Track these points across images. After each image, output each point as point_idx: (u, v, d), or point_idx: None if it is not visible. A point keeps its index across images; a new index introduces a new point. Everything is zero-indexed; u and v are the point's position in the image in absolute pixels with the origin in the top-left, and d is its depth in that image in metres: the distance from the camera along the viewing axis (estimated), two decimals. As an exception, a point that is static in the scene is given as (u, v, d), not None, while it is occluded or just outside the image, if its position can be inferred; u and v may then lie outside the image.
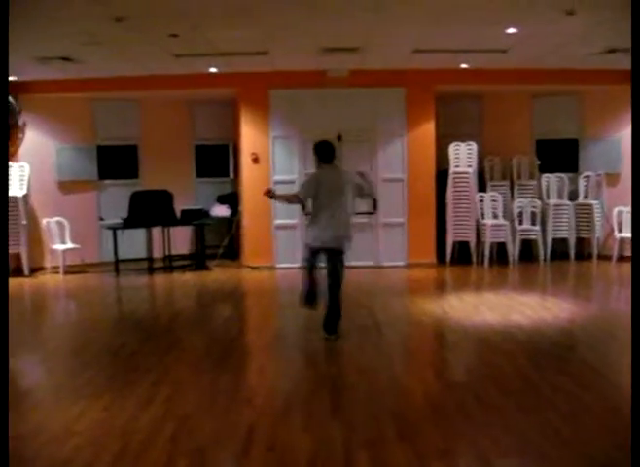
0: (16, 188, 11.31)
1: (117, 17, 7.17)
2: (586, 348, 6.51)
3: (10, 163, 11.36)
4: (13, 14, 6.83)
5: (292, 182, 11.28)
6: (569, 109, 12.28)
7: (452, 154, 11.64)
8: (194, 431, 4.43)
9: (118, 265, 11.13)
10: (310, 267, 6.88)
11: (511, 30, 8.37)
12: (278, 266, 11.44)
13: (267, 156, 11.53)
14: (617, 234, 11.54)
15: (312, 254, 6.85)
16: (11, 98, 11.13)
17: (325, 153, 6.86)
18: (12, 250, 11.24)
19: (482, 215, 11.69)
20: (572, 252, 11.80)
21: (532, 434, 4.27)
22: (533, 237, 11.77)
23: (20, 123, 11.53)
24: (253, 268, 11.54)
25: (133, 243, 11.84)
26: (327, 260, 6.79)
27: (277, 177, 11.47)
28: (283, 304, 9.20)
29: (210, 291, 10.13)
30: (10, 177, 11.33)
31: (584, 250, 12.05)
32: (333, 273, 6.76)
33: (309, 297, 6.93)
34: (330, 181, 6.71)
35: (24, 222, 11.20)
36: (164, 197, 11.46)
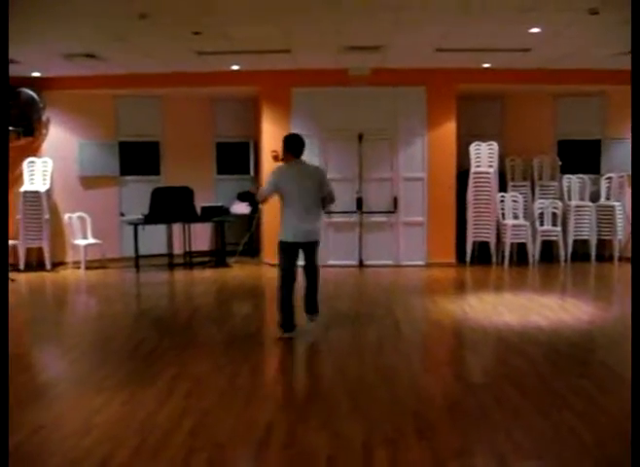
0: (38, 183, 11.42)
1: (141, 14, 7.20)
2: (606, 351, 6.47)
3: (33, 159, 11.49)
4: (37, 10, 6.93)
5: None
6: (592, 109, 12.20)
7: (473, 153, 11.60)
8: (212, 427, 4.46)
9: (138, 260, 11.20)
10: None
11: (534, 30, 8.32)
12: (298, 263, 11.43)
13: (288, 154, 11.53)
14: (639, 236, 11.43)
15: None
16: (35, 94, 11.23)
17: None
18: (34, 245, 11.39)
19: (503, 215, 11.64)
20: (593, 253, 11.72)
21: (550, 436, 4.26)
22: (554, 238, 11.70)
23: (44, 118, 11.63)
24: (272, 265, 11.54)
25: (154, 239, 11.89)
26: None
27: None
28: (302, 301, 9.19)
29: (230, 288, 10.18)
30: (33, 172, 11.45)
31: (605, 252, 11.96)
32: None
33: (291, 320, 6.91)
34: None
35: (47, 217, 11.30)
36: (185, 194, 11.51)
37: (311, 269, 7.03)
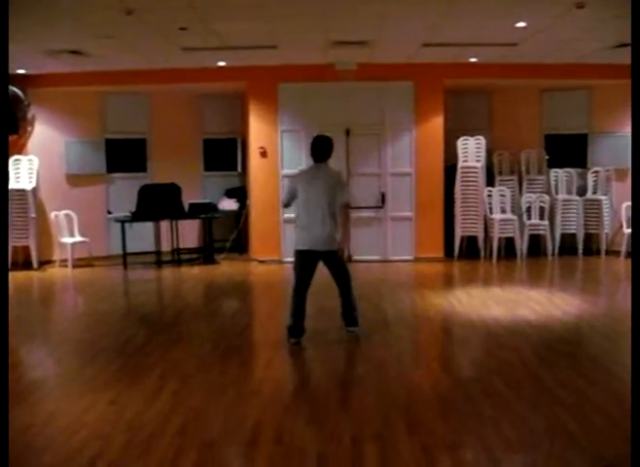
0: (24, 181, 11.34)
1: (127, 10, 7.16)
2: (594, 344, 6.50)
3: (19, 157, 11.40)
4: (22, 6, 6.87)
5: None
6: (578, 104, 12.23)
7: (461, 148, 11.61)
8: (201, 424, 4.44)
9: (126, 258, 11.15)
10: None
11: (520, 24, 8.33)
12: (286, 260, 11.43)
13: (276, 149, 11.52)
14: (625, 230, 11.49)
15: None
16: (20, 91, 11.15)
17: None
18: (21, 243, 11.29)
19: (491, 210, 11.67)
20: (580, 247, 11.77)
21: (539, 429, 4.27)
22: (541, 232, 11.74)
23: (29, 116, 11.55)
24: (260, 261, 11.55)
25: (141, 237, 11.85)
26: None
27: (285, 171, 11.46)
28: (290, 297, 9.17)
29: (218, 284, 10.15)
30: (19, 170, 11.38)
31: (592, 245, 12.01)
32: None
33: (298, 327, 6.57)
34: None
35: (33, 215, 11.23)
36: (173, 191, 11.47)
37: (338, 279, 6.54)
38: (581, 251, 11.76)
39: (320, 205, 6.30)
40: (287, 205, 6.80)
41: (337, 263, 6.46)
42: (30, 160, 11.44)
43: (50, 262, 11.75)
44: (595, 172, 11.98)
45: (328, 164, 6.56)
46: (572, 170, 12.08)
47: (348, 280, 6.54)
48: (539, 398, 4.86)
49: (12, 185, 11.19)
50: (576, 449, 3.98)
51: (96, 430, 4.34)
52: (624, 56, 9.78)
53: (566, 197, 11.88)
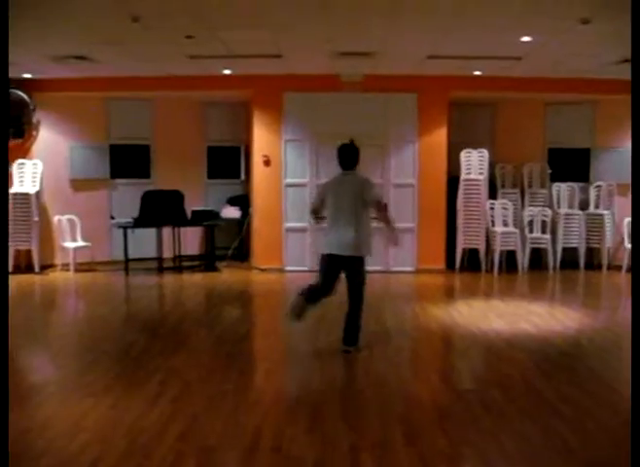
0: (28, 185, 11.37)
1: (133, 17, 7.20)
2: (594, 358, 6.49)
3: (23, 161, 11.44)
4: (29, 12, 6.91)
5: (303, 185, 11.35)
6: (582, 118, 12.26)
7: (464, 160, 11.63)
8: (201, 431, 4.44)
9: (128, 264, 11.16)
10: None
11: (525, 38, 8.36)
12: (288, 268, 11.44)
13: (279, 159, 11.54)
14: (627, 245, 11.49)
15: None
16: (25, 96, 11.20)
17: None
18: (23, 247, 11.31)
19: (493, 223, 11.67)
20: (582, 261, 11.77)
21: (538, 442, 4.27)
22: (543, 246, 11.73)
23: (35, 120, 11.59)
24: (262, 270, 11.55)
25: (143, 243, 11.85)
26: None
27: (288, 180, 11.50)
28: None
29: (219, 292, 10.15)
30: (23, 174, 11.41)
31: (594, 260, 12.02)
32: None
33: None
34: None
35: (36, 219, 11.25)
36: (175, 198, 11.49)
37: (351, 289, 6.44)
38: (582, 265, 11.76)
39: (347, 212, 6.31)
40: (314, 211, 6.65)
41: (357, 272, 6.39)
42: (35, 164, 11.48)
43: (52, 266, 11.77)
44: (598, 187, 11.99)
45: (356, 172, 6.59)
46: (574, 184, 12.10)
47: (360, 296, 6.44)
48: (538, 411, 4.86)
49: (15, 189, 11.23)
50: (574, 462, 3.98)
51: (96, 434, 4.34)
52: (629, 72, 9.81)
53: (568, 211, 11.89)
